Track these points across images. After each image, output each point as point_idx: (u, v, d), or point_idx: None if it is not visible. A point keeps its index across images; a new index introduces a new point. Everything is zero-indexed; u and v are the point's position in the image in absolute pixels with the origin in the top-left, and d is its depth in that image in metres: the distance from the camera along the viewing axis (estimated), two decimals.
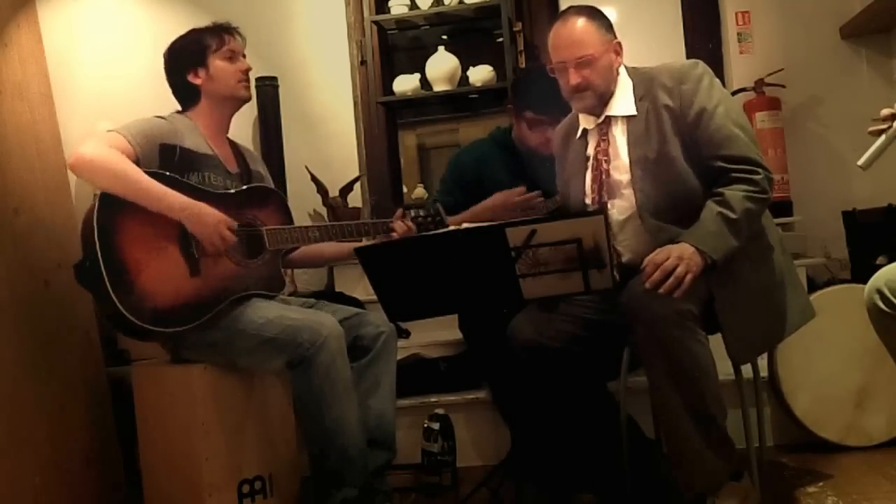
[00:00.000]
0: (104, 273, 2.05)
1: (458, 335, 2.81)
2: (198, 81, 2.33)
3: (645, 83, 2.11)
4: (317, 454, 2.18)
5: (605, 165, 2.13)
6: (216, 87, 2.33)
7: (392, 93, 3.66)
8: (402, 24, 3.77)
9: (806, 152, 3.30)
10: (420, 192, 4.00)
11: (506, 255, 1.84)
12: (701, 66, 2.09)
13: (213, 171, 2.29)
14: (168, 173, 2.19)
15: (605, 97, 2.13)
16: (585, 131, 2.21)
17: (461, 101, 3.88)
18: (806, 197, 3.24)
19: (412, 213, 2.39)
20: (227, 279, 2.22)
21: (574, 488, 2.37)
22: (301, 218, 3.14)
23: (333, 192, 3.38)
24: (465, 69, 3.64)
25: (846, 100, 3.27)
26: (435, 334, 3.05)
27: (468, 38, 3.85)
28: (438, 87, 3.64)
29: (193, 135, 2.30)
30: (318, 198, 3.38)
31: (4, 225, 2.48)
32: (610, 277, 1.88)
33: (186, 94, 2.36)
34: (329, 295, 3.12)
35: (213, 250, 2.17)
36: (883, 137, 1.82)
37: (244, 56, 2.39)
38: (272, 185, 2.50)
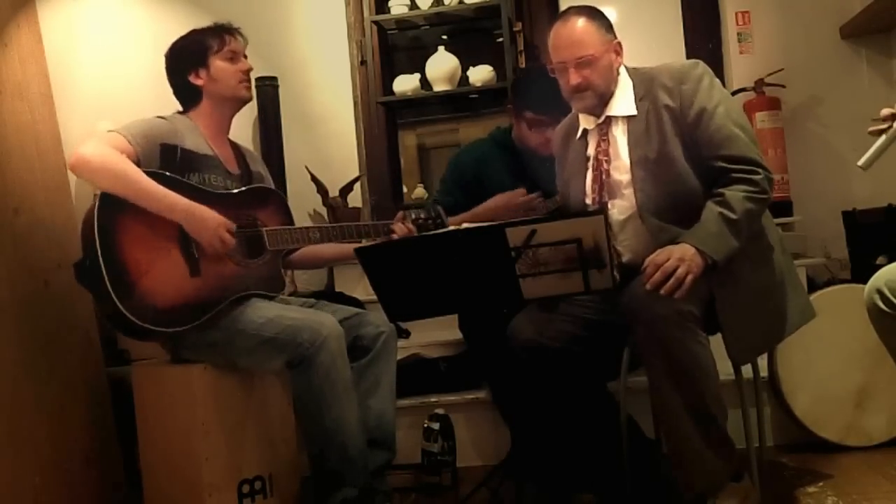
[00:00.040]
0: (104, 272, 2.05)
1: (458, 335, 2.81)
2: (199, 82, 2.33)
3: (645, 83, 2.11)
4: (317, 454, 2.18)
5: (605, 165, 2.13)
6: (217, 87, 2.33)
7: (392, 93, 3.66)
8: (402, 24, 3.77)
9: (806, 152, 3.30)
10: (420, 192, 4.00)
11: (506, 255, 1.84)
12: (701, 67, 2.09)
13: (213, 171, 2.29)
14: (168, 173, 2.19)
15: (605, 97, 2.13)
16: (586, 131, 2.21)
17: (461, 101, 3.88)
18: (806, 197, 3.24)
19: (412, 214, 2.39)
20: (227, 279, 2.22)
21: (574, 488, 2.37)
22: (301, 218, 3.14)
23: (333, 192, 3.38)
24: (465, 69, 3.64)
25: (846, 100, 3.27)
26: (435, 334, 3.05)
27: (468, 38, 3.85)
28: (438, 87, 3.64)
29: (194, 135, 2.30)
30: (318, 198, 3.38)
31: (4, 225, 2.48)
32: (610, 277, 1.88)
33: (187, 95, 2.36)
34: (329, 295, 3.12)
35: (212, 252, 2.18)
36: (883, 137, 1.82)
37: (245, 56, 2.39)
38: (273, 186, 2.50)
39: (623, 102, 2.12)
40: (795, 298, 2.12)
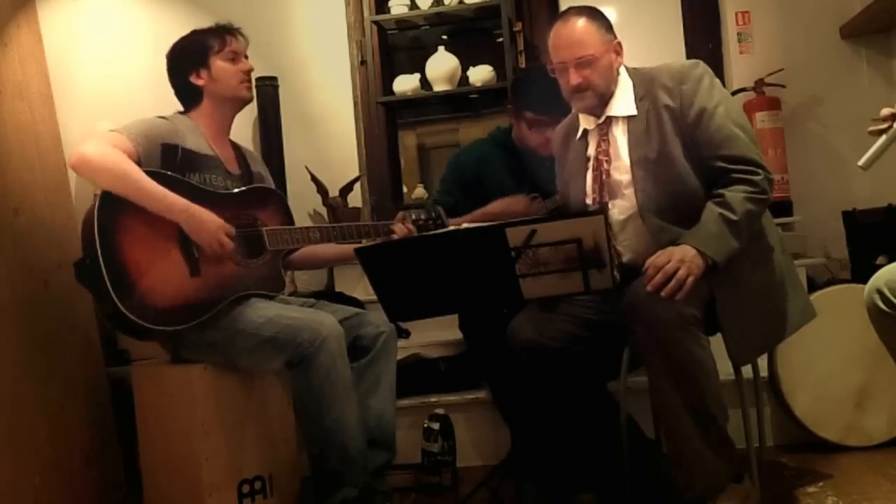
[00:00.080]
0: (104, 272, 2.05)
1: (458, 335, 2.81)
2: (200, 82, 2.33)
3: (645, 83, 2.11)
4: (317, 454, 2.18)
5: (605, 166, 2.13)
6: (218, 87, 2.33)
7: (392, 93, 3.66)
8: (402, 24, 3.77)
9: (806, 152, 3.30)
10: (420, 192, 4.00)
11: (506, 255, 1.84)
12: (701, 67, 2.09)
13: (214, 171, 2.29)
14: (169, 173, 2.19)
15: (605, 97, 2.13)
16: (586, 132, 2.21)
17: (461, 101, 3.87)
18: (806, 197, 3.24)
19: (413, 215, 2.39)
20: (227, 279, 2.22)
21: (574, 488, 2.37)
22: (301, 218, 3.14)
23: (333, 192, 3.38)
24: (465, 69, 3.64)
25: (846, 100, 3.27)
26: (435, 334, 3.05)
27: (468, 38, 3.85)
28: (438, 87, 3.64)
29: (195, 135, 2.30)
30: (318, 198, 3.38)
31: (4, 225, 2.48)
32: (610, 277, 1.88)
33: (188, 95, 2.36)
34: (329, 295, 3.12)
35: (211, 254, 2.18)
36: (883, 137, 1.82)
37: (246, 57, 2.39)
38: (273, 187, 2.50)
39: (623, 102, 2.12)
40: (796, 298, 2.12)
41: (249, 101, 2.41)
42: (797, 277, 2.19)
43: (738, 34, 3.39)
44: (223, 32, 2.36)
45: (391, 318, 2.19)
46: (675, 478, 1.96)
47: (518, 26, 3.55)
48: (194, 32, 2.38)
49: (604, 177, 2.13)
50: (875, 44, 3.29)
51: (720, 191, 1.97)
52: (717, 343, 1.94)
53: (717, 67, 3.45)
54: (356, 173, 3.50)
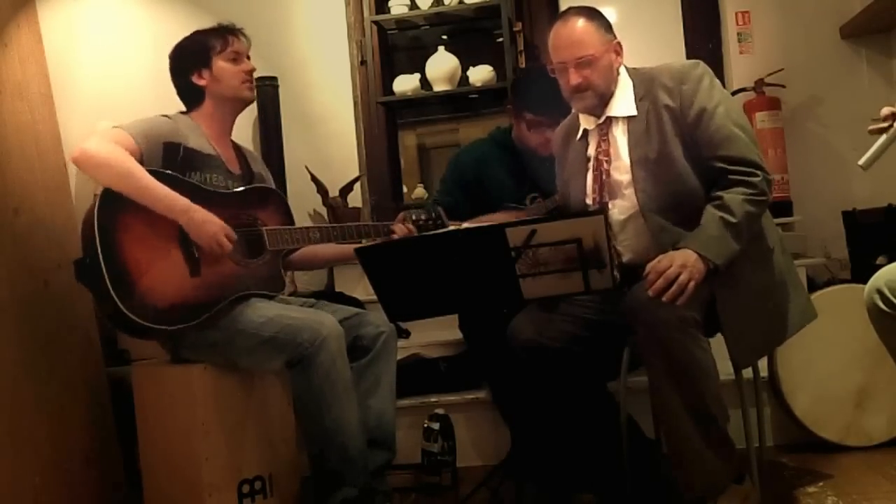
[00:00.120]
0: (104, 271, 2.05)
1: (458, 335, 2.81)
2: (202, 82, 2.33)
3: (645, 83, 2.11)
4: (317, 454, 2.18)
5: (605, 166, 2.13)
6: (220, 88, 2.33)
7: (392, 93, 3.66)
8: (402, 24, 3.77)
9: (806, 152, 3.30)
10: (420, 192, 4.00)
11: (506, 255, 1.84)
12: (701, 67, 2.09)
13: (215, 171, 2.30)
14: (169, 172, 2.19)
15: (605, 97, 2.13)
16: (586, 132, 2.21)
17: (461, 101, 3.87)
18: (806, 197, 3.24)
19: (413, 216, 2.39)
20: (227, 279, 2.22)
21: (574, 488, 2.37)
22: (301, 218, 3.14)
23: (333, 192, 3.38)
24: (465, 69, 3.64)
25: (846, 100, 3.27)
26: (435, 334, 3.05)
27: (468, 38, 3.85)
28: (438, 87, 3.64)
29: (197, 135, 2.31)
30: (318, 198, 3.38)
31: (4, 225, 2.48)
32: (610, 277, 1.88)
33: (191, 95, 2.36)
34: (329, 295, 3.12)
35: (211, 255, 2.18)
36: (883, 137, 1.83)
37: (248, 57, 2.39)
38: (273, 187, 2.50)
39: (623, 103, 2.12)
40: (796, 299, 2.12)
41: (251, 101, 2.41)
42: (797, 277, 2.19)
43: (738, 34, 3.39)
44: (225, 33, 2.36)
45: (391, 318, 2.19)
46: (675, 478, 1.96)
47: (518, 26, 3.55)
48: (197, 33, 2.38)
49: (604, 177, 2.13)
50: (875, 44, 3.29)
51: (719, 193, 1.97)
52: (717, 344, 1.94)
53: (717, 67, 3.45)
54: (356, 173, 3.50)
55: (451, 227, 2.18)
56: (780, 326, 2.08)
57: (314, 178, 3.37)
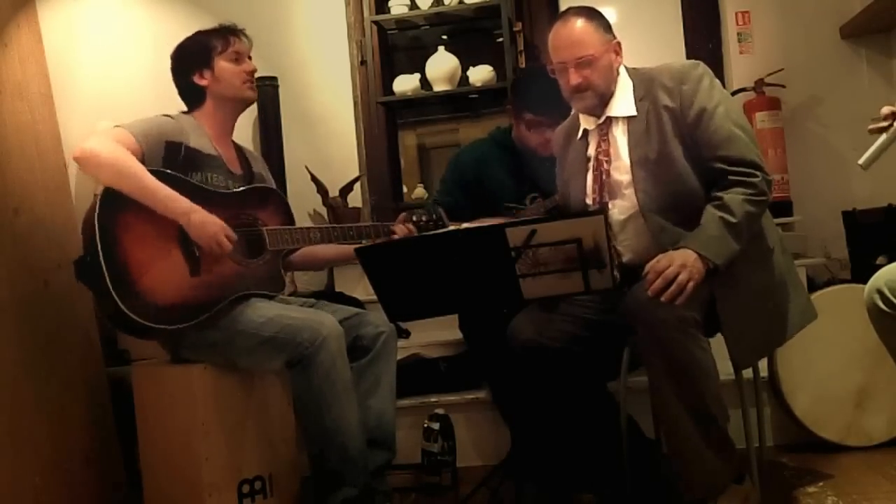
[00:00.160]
0: (105, 271, 2.05)
1: (458, 335, 2.81)
2: (203, 83, 2.33)
3: (645, 83, 2.11)
4: (317, 454, 2.18)
5: (605, 166, 2.13)
6: (221, 88, 2.33)
7: (392, 93, 3.66)
8: (402, 24, 3.76)
9: (806, 152, 3.30)
10: (420, 192, 4.00)
11: (506, 255, 1.84)
12: (701, 67, 2.09)
13: (216, 171, 2.30)
14: (170, 171, 2.19)
15: (605, 97, 2.13)
16: (586, 132, 2.21)
17: (461, 101, 3.87)
18: (806, 197, 3.24)
19: (414, 216, 2.39)
20: (227, 279, 2.22)
21: (574, 488, 2.37)
22: (301, 218, 3.14)
23: (333, 192, 3.38)
24: (465, 69, 3.64)
25: (846, 100, 3.27)
26: (435, 334, 3.05)
27: (468, 38, 3.85)
28: (438, 87, 3.64)
29: (198, 135, 2.31)
30: (318, 198, 3.38)
31: (4, 225, 2.48)
32: (610, 277, 1.88)
33: (192, 96, 2.36)
34: (329, 295, 3.12)
35: (211, 255, 2.18)
36: (883, 137, 1.83)
37: (250, 58, 2.39)
38: (274, 187, 2.50)
39: (623, 103, 2.12)
40: (796, 299, 2.12)
41: (252, 101, 2.41)
42: (797, 277, 2.19)
43: (738, 34, 3.39)
44: (227, 33, 2.36)
45: (391, 318, 2.19)
46: (675, 478, 1.96)
47: (518, 26, 3.55)
48: (198, 33, 2.38)
49: (604, 177, 2.13)
50: (875, 44, 3.29)
51: (719, 193, 1.97)
52: (717, 344, 1.94)
53: (717, 67, 3.45)
54: (356, 173, 3.50)
55: (452, 228, 2.18)
56: (780, 327, 2.08)
57: (314, 178, 3.37)
